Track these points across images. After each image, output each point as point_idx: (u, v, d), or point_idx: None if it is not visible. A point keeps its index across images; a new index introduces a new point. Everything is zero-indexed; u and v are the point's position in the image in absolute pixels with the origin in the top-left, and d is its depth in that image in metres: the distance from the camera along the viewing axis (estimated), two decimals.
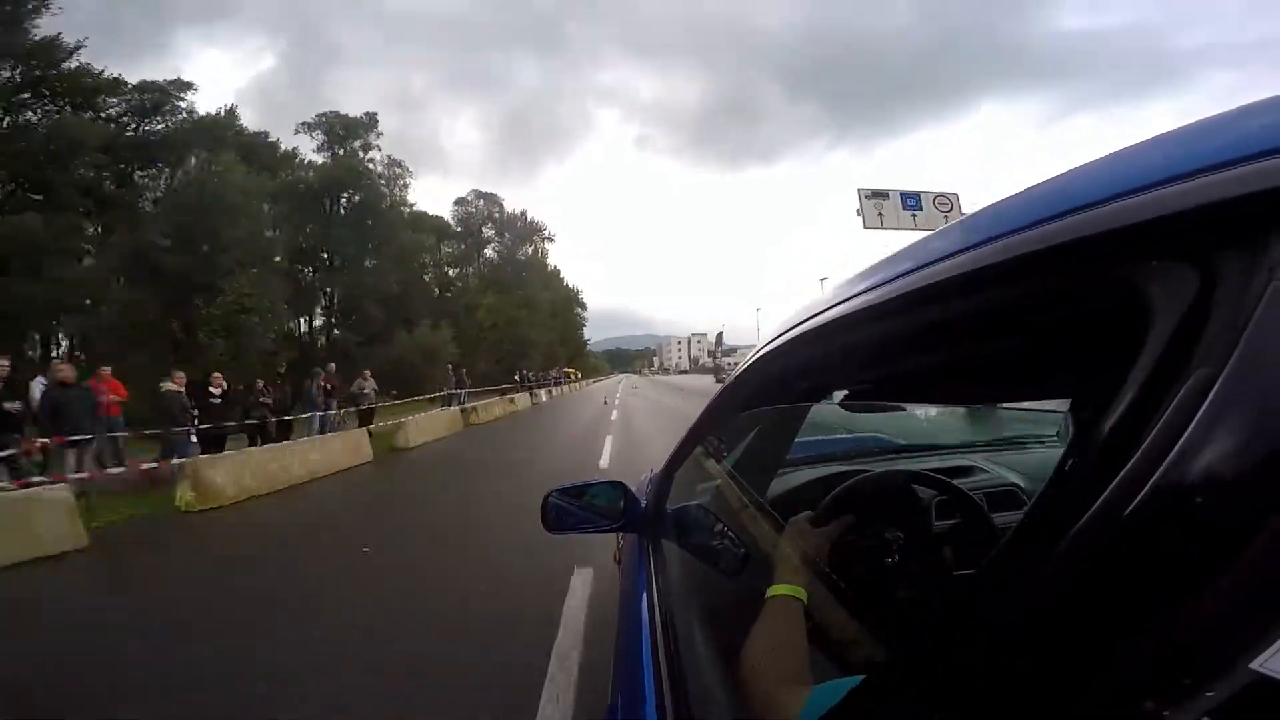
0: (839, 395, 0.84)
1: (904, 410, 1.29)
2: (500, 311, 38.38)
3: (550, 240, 52.10)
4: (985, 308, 0.39)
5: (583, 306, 63.24)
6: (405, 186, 33.87)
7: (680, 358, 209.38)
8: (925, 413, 1.40)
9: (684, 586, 1.04)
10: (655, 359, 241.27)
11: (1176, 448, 0.23)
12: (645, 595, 1.13)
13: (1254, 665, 0.20)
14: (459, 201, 46.40)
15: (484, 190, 48.58)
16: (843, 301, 0.54)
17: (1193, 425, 0.23)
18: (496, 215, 47.55)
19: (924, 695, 0.34)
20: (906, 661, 0.39)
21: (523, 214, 49.92)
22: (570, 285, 58.96)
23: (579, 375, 47.41)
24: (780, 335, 0.71)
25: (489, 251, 46.69)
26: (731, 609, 0.88)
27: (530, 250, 49.34)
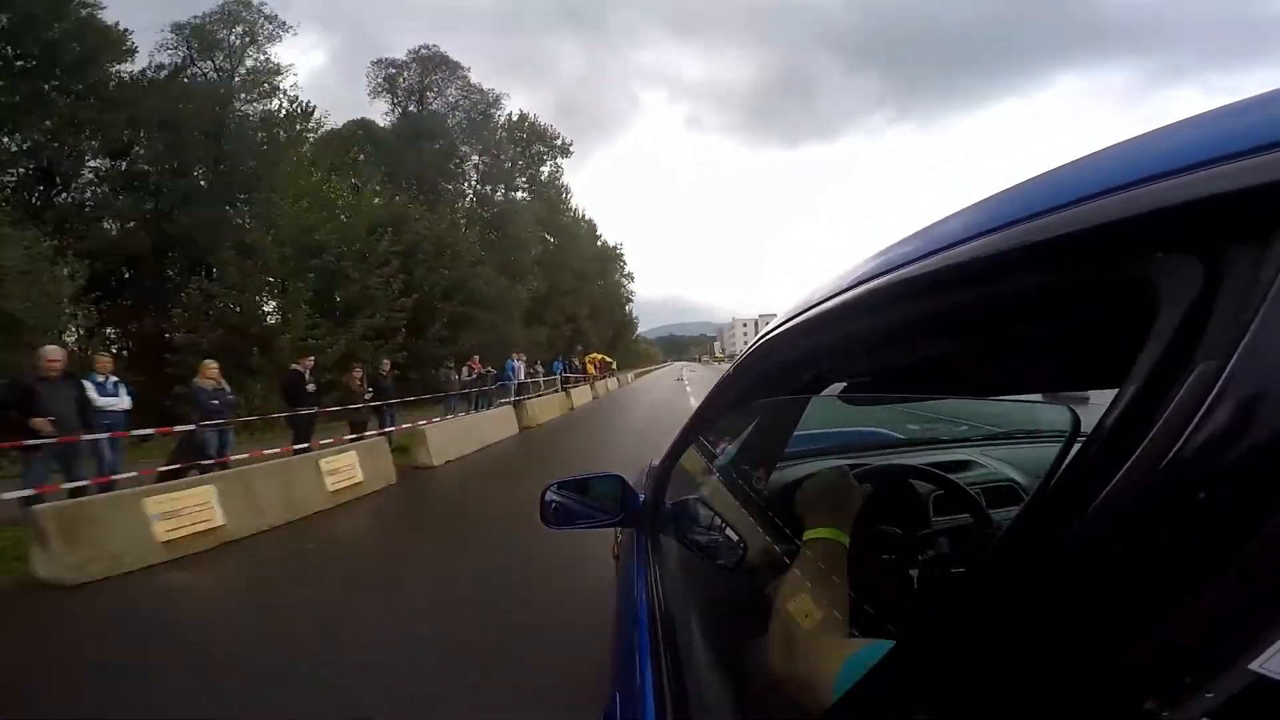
0: (838, 388, 0.84)
1: (903, 403, 1.28)
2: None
3: (566, 154, 33.56)
4: (987, 298, 0.39)
5: (623, 267, 49.96)
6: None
7: (746, 340, 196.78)
8: (924, 406, 1.35)
9: (682, 582, 1.04)
10: (717, 344, 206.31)
11: (1179, 443, 0.23)
12: (643, 591, 1.13)
13: (1254, 665, 0.20)
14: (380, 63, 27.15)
15: (429, 48, 27.62)
16: (843, 291, 0.53)
17: (1196, 419, 0.23)
18: (457, 99, 27.95)
19: (922, 691, 0.34)
20: (904, 657, 0.39)
21: (520, 117, 31.88)
22: (602, 237, 45.18)
23: (614, 366, 31.14)
24: (780, 325, 0.71)
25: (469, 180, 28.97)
26: (730, 604, 0.89)
27: (532, 175, 32.43)
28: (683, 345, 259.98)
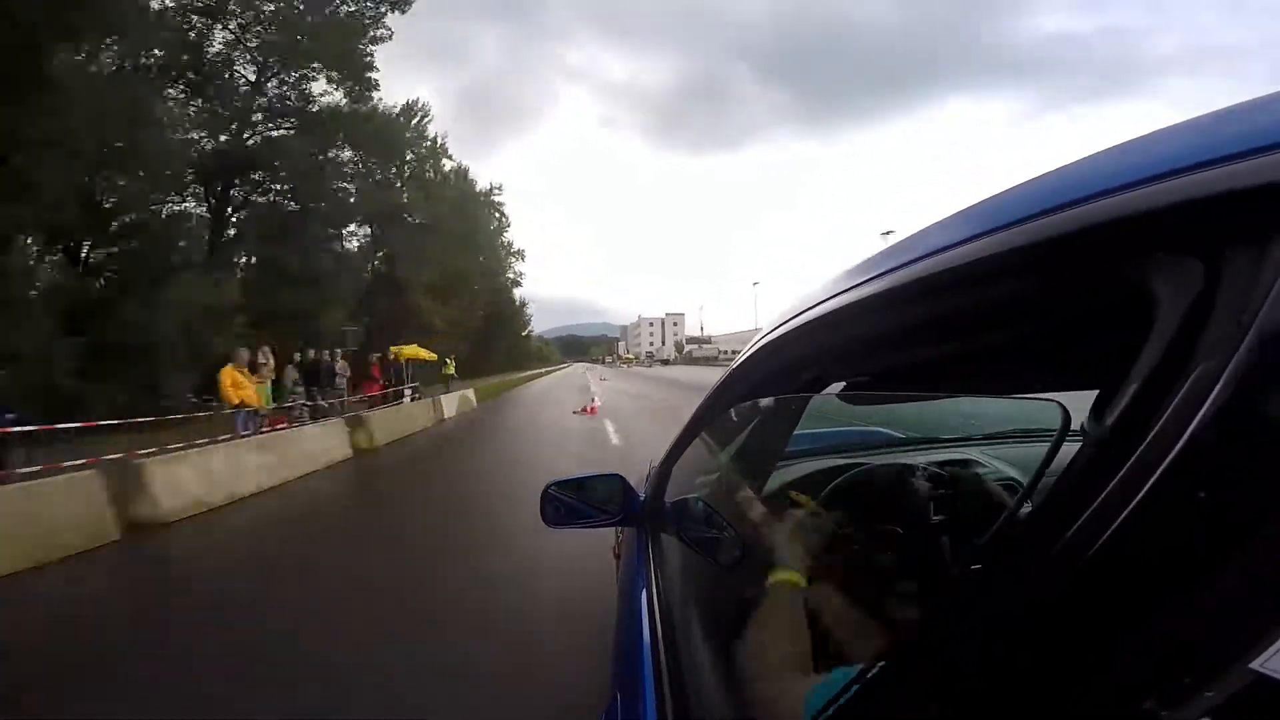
0: (838, 387, 0.84)
1: (903, 403, 1.29)
2: None
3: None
4: (988, 299, 0.39)
5: (502, 221, 40.10)
6: None
7: (654, 343, 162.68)
8: (925, 405, 1.42)
9: (683, 580, 1.04)
10: (621, 344, 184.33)
11: (1180, 443, 0.23)
12: (644, 590, 1.13)
13: (1254, 665, 0.20)
14: None
15: None
16: (843, 292, 0.53)
17: (1197, 419, 0.23)
18: None
19: (921, 691, 0.34)
20: (904, 657, 0.39)
21: None
22: (465, 169, 33.58)
23: (450, 368, 20.37)
24: (780, 325, 0.71)
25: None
26: (732, 603, 0.89)
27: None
28: (583, 346, 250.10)
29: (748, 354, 0.87)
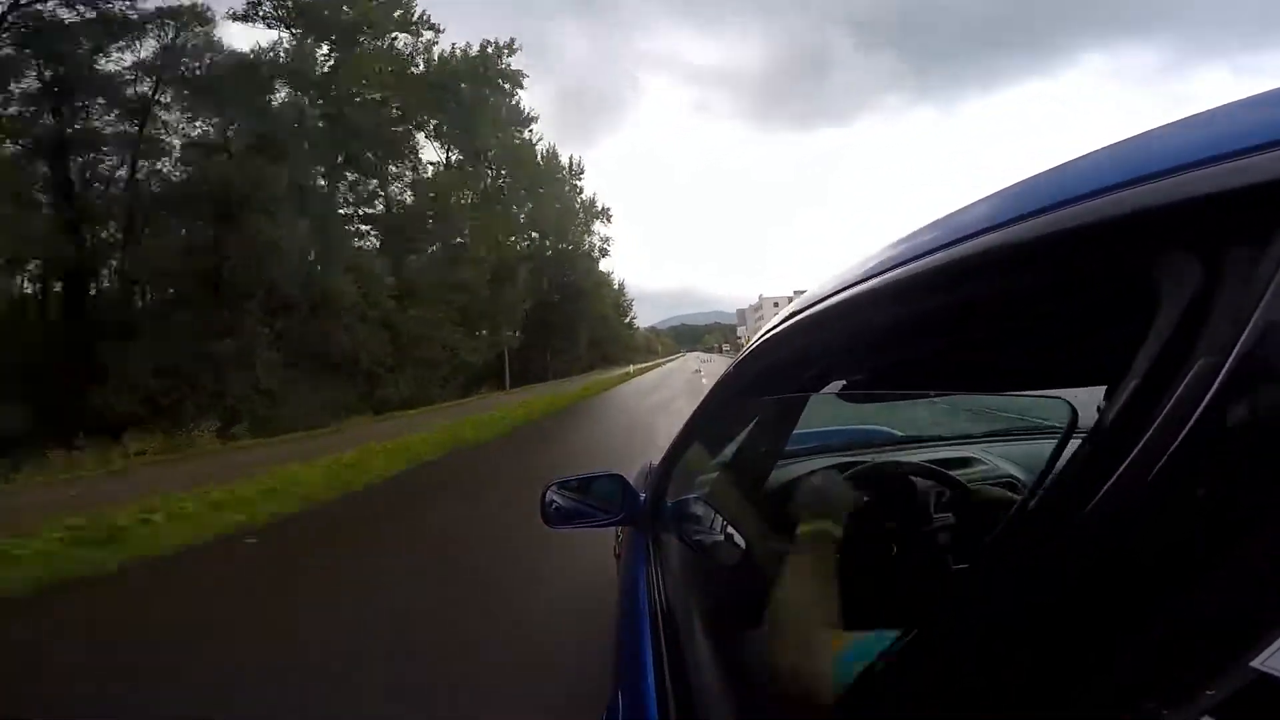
0: (839, 385, 0.83)
1: (903, 400, 1.28)
2: None
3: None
4: (987, 295, 0.39)
5: (589, 203, 34.78)
6: None
7: None
8: (925, 403, 1.35)
9: (684, 581, 1.04)
10: (741, 330, 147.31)
11: (1179, 439, 0.23)
12: (645, 590, 1.14)
13: (1255, 663, 0.20)
14: None
15: None
16: (844, 289, 0.53)
17: (1196, 416, 0.23)
18: None
19: (922, 690, 0.34)
20: (905, 656, 0.38)
21: None
22: (548, 145, 30.22)
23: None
24: (781, 323, 0.71)
25: None
26: (732, 603, 0.89)
27: None
28: (696, 335, 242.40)
29: (749, 352, 0.87)
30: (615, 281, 55.31)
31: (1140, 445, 0.24)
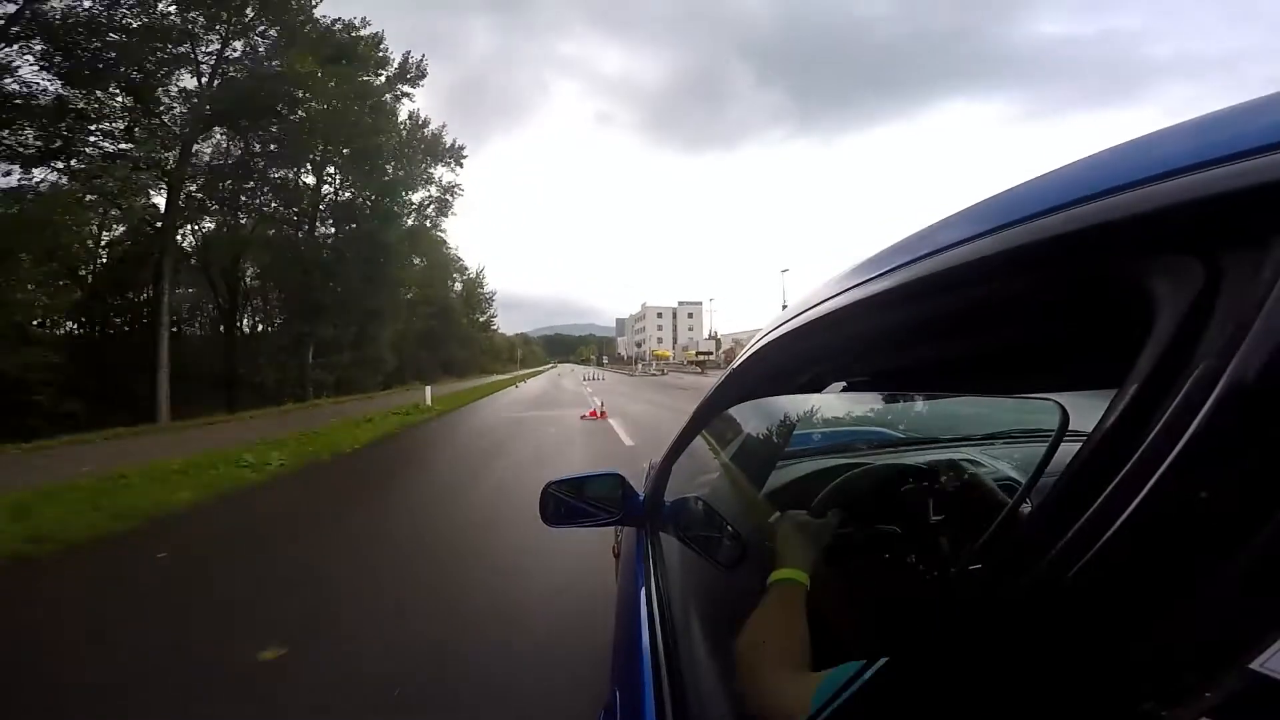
0: (838, 386, 0.83)
1: (903, 402, 1.30)
2: None
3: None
4: (988, 299, 0.39)
5: (453, 161, 27.54)
6: None
7: (662, 341, 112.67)
8: (924, 405, 1.42)
9: (683, 580, 1.05)
10: (620, 341, 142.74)
11: (1180, 443, 0.23)
12: (644, 589, 1.13)
13: (1254, 665, 0.20)
14: None
15: None
16: (843, 292, 0.54)
17: (1197, 420, 0.23)
18: None
19: (921, 691, 0.34)
20: (904, 657, 0.39)
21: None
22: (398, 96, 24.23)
23: None
24: (779, 325, 0.71)
25: None
26: (731, 602, 0.89)
27: None
28: (570, 345, 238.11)
29: (747, 354, 0.87)
30: (465, 262, 50.16)
31: (1142, 448, 0.24)
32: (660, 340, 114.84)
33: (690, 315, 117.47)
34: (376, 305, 26.50)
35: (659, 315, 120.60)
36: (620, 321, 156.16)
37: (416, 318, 36.44)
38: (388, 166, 25.40)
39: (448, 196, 28.66)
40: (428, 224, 29.62)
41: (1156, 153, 0.30)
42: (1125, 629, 0.23)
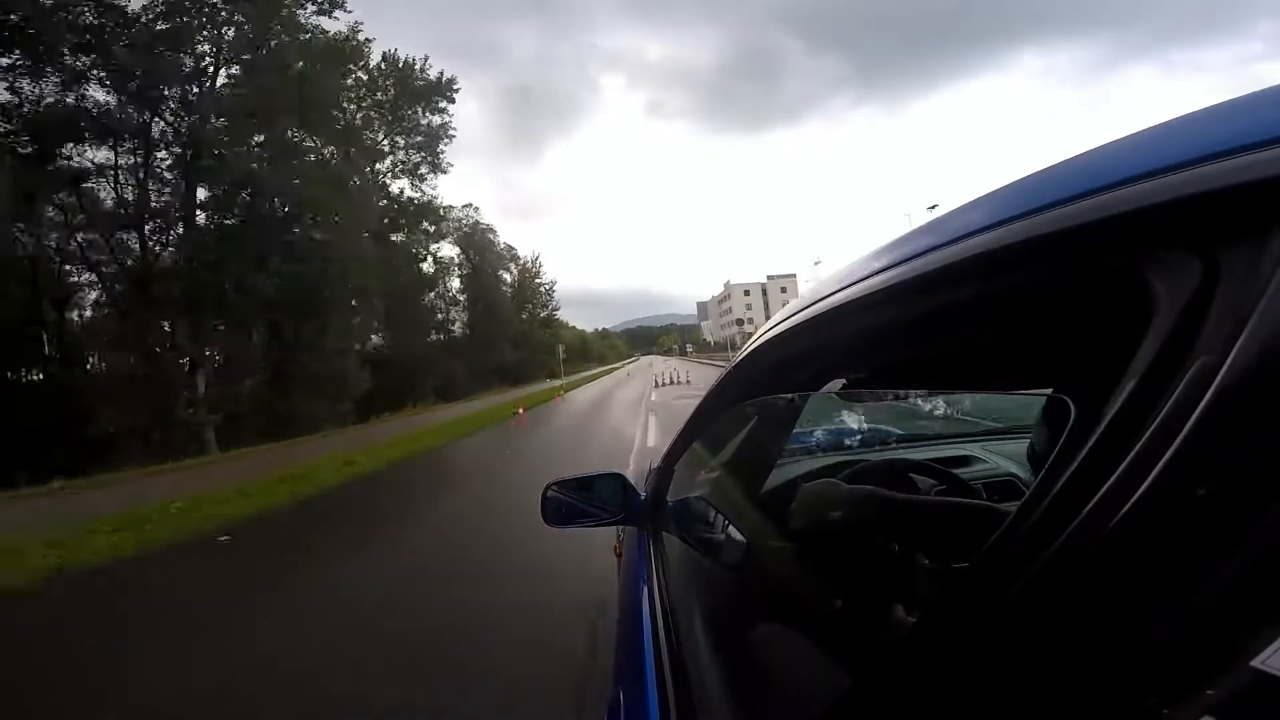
0: (839, 384, 0.84)
1: (904, 399, 1.30)
2: None
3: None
4: (984, 296, 0.39)
5: (441, 99, 24.29)
6: None
7: (752, 319, 75.56)
8: (925, 402, 1.38)
9: (685, 579, 1.05)
10: (704, 325, 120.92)
11: (1178, 440, 0.23)
12: (646, 588, 1.14)
13: (1255, 663, 0.20)
14: None
15: None
16: (843, 289, 0.54)
17: (1195, 416, 0.23)
18: None
19: (922, 690, 0.34)
20: (904, 656, 0.39)
21: None
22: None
23: None
24: (781, 323, 0.71)
25: None
26: (733, 601, 0.89)
27: None
28: (651, 337, 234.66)
29: (748, 352, 0.87)
30: (518, 250, 43.73)
31: (1140, 444, 0.24)
32: (751, 320, 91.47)
33: (784, 290, 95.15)
34: (316, 294, 18.12)
35: (745, 293, 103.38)
36: (701, 305, 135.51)
37: (450, 318, 33.42)
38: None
39: (445, 131, 23.66)
40: (422, 187, 24.88)
41: (1154, 148, 0.30)
42: (1126, 626, 0.23)
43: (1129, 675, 0.23)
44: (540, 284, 49.49)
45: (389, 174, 27.15)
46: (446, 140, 26.82)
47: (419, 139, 26.70)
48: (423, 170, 27.96)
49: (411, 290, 28.46)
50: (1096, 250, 0.31)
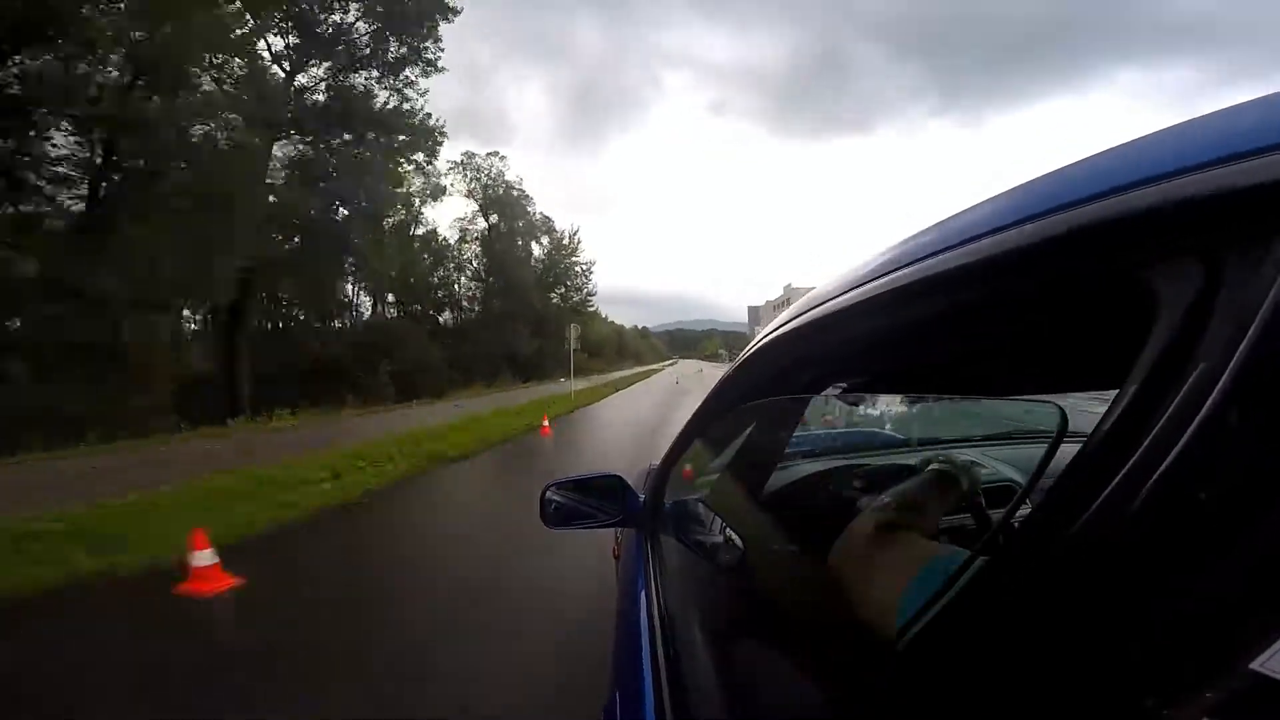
0: (838, 388, 0.84)
1: (902, 404, 1.26)
2: None
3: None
4: (987, 300, 0.39)
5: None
6: None
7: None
8: (925, 406, 1.34)
9: (683, 582, 1.04)
10: (758, 330, 77.01)
11: (1179, 444, 0.23)
12: (644, 591, 1.14)
13: (1254, 665, 0.20)
14: None
15: None
16: (843, 293, 0.54)
17: (1197, 420, 0.23)
18: None
19: (921, 691, 0.34)
20: (903, 658, 0.39)
21: None
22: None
23: None
24: (780, 326, 0.71)
25: None
26: (731, 604, 0.89)
27: None
28: (691, 340, 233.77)
29: (748, 355, 0.87)
30: (554, 221, 36.39)
31: (1143, 448, 0.24)
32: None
33: None
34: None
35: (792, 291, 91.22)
36: (754, 310, 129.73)
37: (460, 298, 27.17)
38: None
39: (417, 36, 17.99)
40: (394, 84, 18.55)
41: (1157, 153, 0.30)
42: (1125, 629, 0.23)
43: (1129, 676, 0.23)
44: (576, 264, 39.93)
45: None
46: (436, 25, 18.76)
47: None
48: (392, 49, 19.29)
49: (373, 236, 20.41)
50: (1099, 254, 0.31)
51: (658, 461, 1.47)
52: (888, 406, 1.38)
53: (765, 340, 0.77)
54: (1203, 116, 0.30)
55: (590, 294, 41.87)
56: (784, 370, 0.79)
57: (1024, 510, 0.63)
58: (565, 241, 39.49)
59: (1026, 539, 0.30)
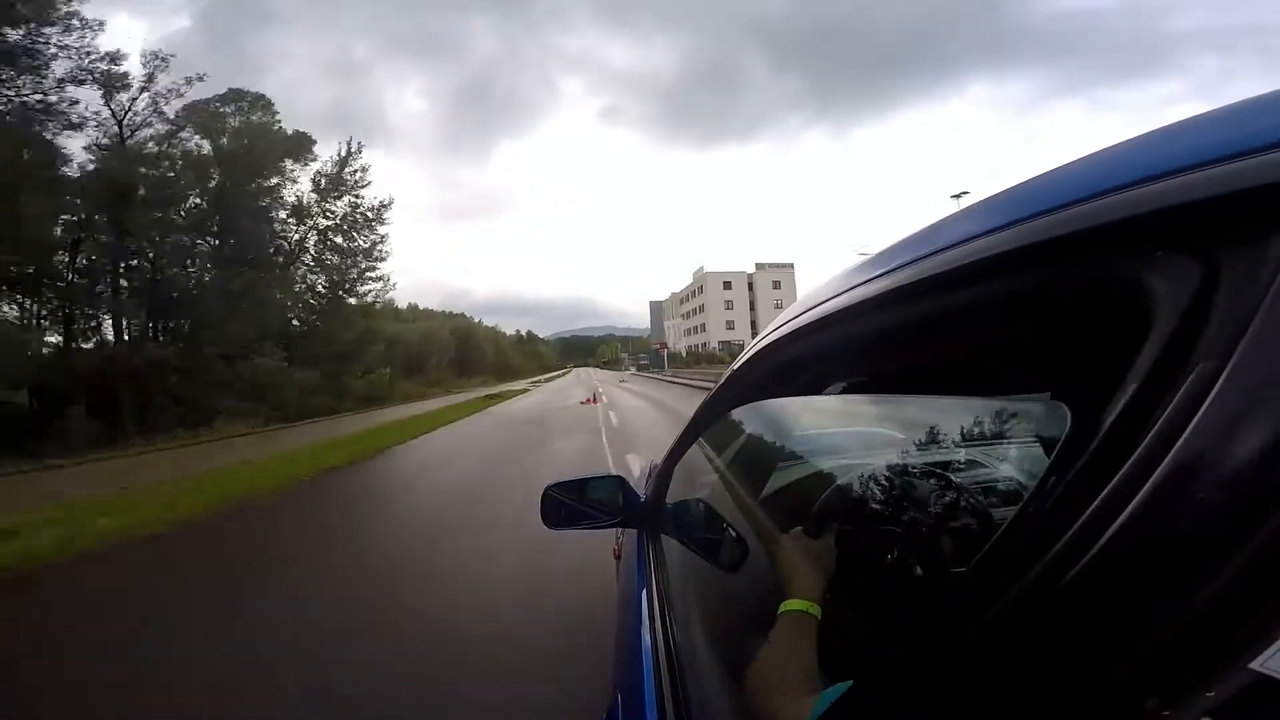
0: (839, 387, 0.85)
1: (903, 404, 1.31)
2: None
3: None
4: (985, 300, 0.39)
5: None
6: None
7: (731, 323, 73.72)
8: (924, 406, 1.41)
9: (684, 582, 1.05)
10: (669, 326, 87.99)
11: (1178, 444, 0.23)
12: (645, 591, 1.13)
13: (1254, 665, 0.20)
14: None
15: None
16: (843, 293, 0.54)
17: (1195, 421, 0.23)
18: None
19: (922, 693, 0.34)
20: (905, 659, 0.39)
21: None
22: None
23: None
24: (779, 327, 0.71)
25: None
26: (732, 604, 0.89)
27: None
28: (588, 348, 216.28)
29: (747, 355, 0.87)
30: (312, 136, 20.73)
31: (1141, 447, 0.24)
32: (731, 322, 74.22)
33: (776, 285, 73.44)
34: None
35: (726, 285, 76.44)
36: (656, 305, 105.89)
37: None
38: None
39: None
40: None
41: (1154, 152, 0.30)
42: (1125, 629, 0.23)
43: (1129, 677, 0.23)
44: (360, 213, 23.38)
45: None
46: None
47: None
48: None
49: None
50: (1097, 254, 0.31)
51: (659, 461, 1.47)
52: (888, 406, 1.46)
53: (765, 340, 0.77)
54: (1200, 115, 0.30)
55: (384, 279, 25.48)
56: (783, 371, 0.79)
57: (1025, 509, 0.66)
58: (344, 176, 23.08)
59: (1027, 539, 0.30)
